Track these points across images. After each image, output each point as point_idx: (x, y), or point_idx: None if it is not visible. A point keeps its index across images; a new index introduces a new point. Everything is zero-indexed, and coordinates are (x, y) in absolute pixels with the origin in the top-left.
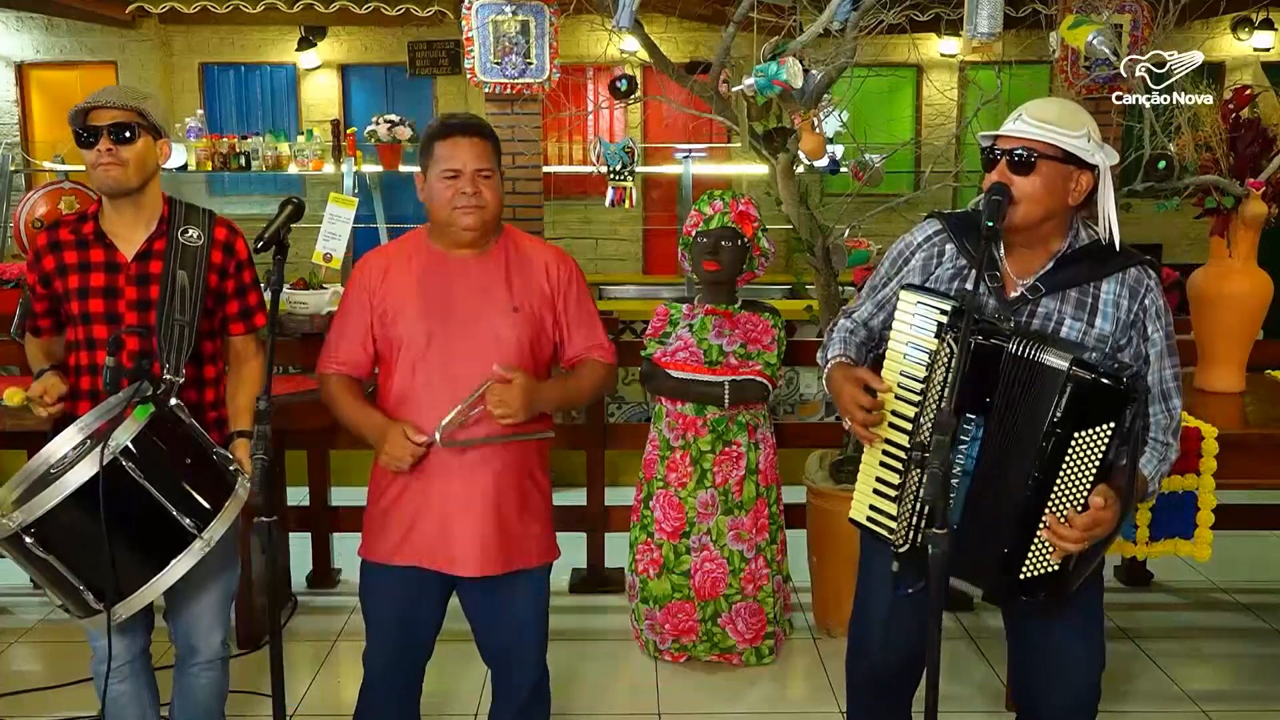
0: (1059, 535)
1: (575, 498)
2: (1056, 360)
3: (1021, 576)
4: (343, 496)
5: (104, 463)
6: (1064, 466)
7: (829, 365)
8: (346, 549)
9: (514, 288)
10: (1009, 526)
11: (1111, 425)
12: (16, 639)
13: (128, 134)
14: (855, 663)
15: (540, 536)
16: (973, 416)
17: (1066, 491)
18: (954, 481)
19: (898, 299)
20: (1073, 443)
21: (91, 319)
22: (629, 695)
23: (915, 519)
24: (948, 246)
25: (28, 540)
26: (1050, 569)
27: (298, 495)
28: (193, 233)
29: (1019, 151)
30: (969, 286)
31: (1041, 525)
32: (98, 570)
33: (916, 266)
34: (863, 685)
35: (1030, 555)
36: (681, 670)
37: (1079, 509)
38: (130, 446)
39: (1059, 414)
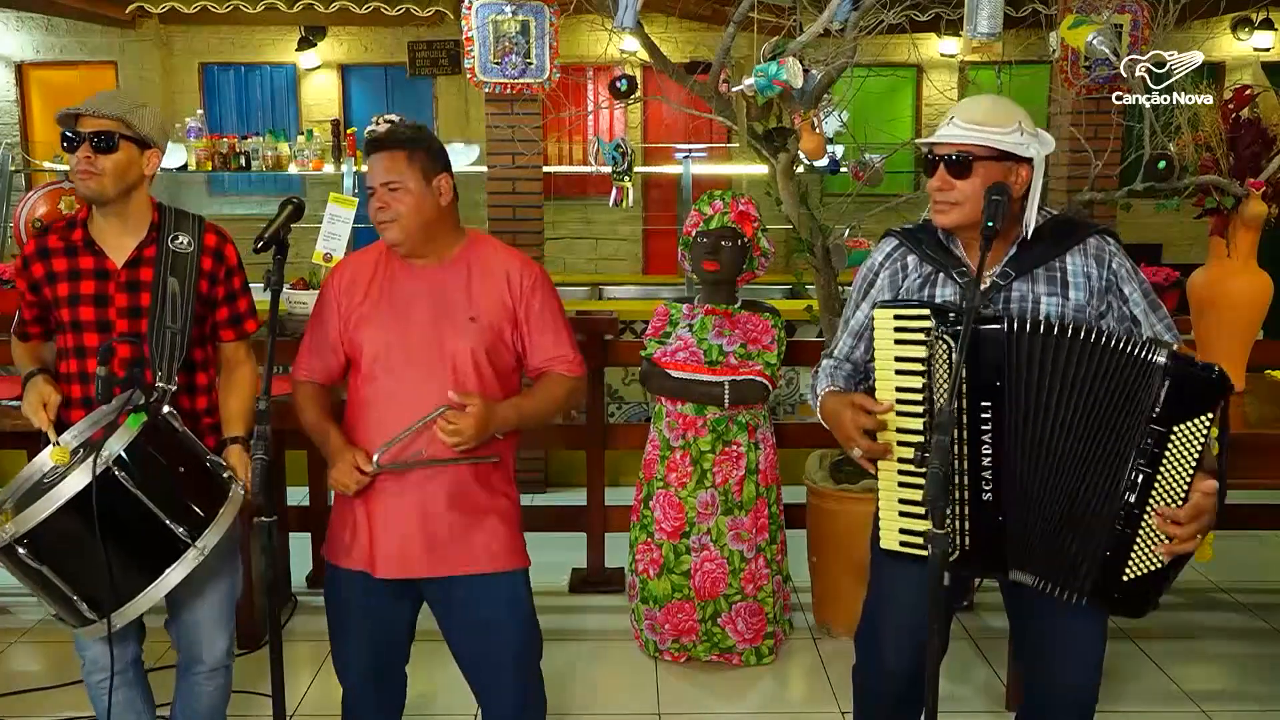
0: (1169, 534)
1: (575, 498)
2: (1158, 356)
3: (1125, 578)
4: None
5: (97, 473)
6: (1164, 462)
7: (821, 397)
8: None
9: (473, 296)
10: (1107, 527)
11: (1210, 416)
12: (16, 639)
13: (108, 144)
14: (864, 674)
15: (495, 541)
16: (988, 404)
17: (1168, 487)
18: (985, 474)
19: (872, 320)
20: (1173, 437)
21: (82, 327)
22: (629, 695)
23: (961, 523)
24: (909, 258)
25: (20, 551)
26: (1155, 567)
27: (298, 495)
28: (183, 239)
29: (954, 156)
30: (939, 291)
31: (1144, 523)
32: (92, 580)
33: (884, 285)
34: (871, 696)
35: (1134, 555)
36: (681, 670)
37: (1180, 503)
38: (123, 456)
39: (1158, 409)
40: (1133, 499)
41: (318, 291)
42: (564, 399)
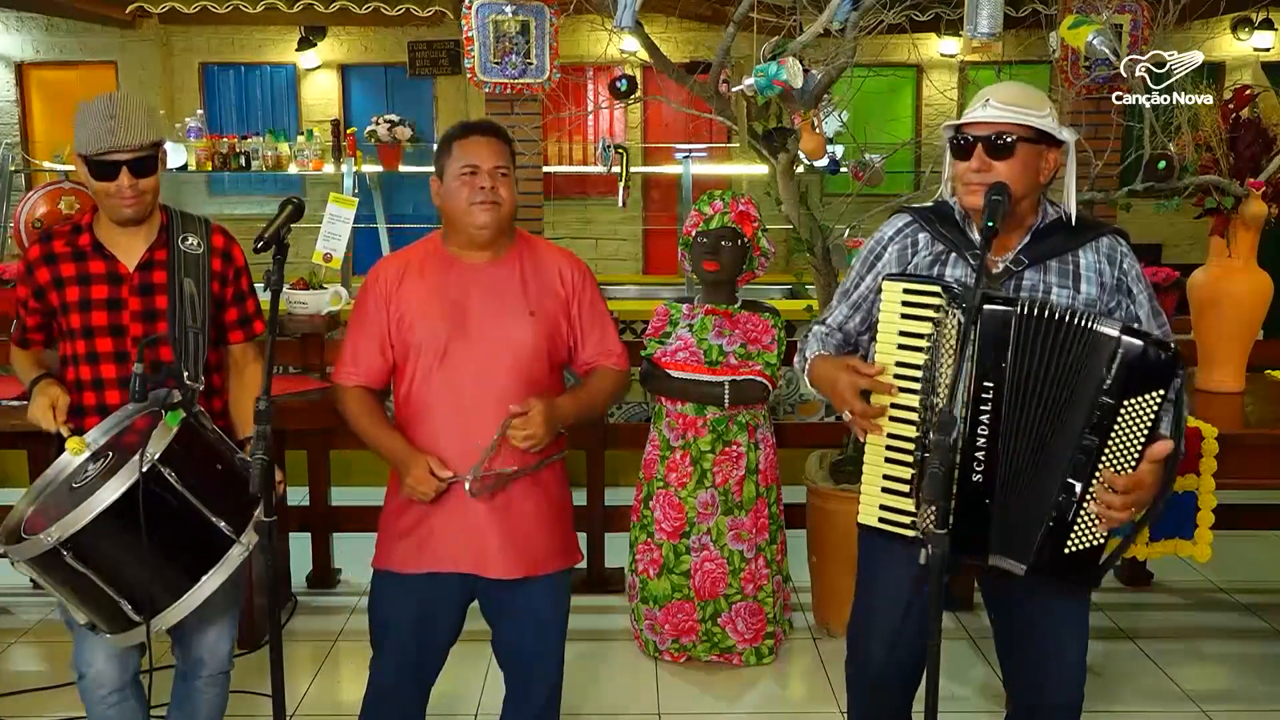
0: (1104, 502)
1: (575, 498)
2: (1108, 329)
3: (1067, 550)
4: (343, 496)
5: (144, 469)
6: (1113, 435)
7: (811, 361)
8: (346, 549)
9: (529, 292)
10: (1054, 498)
11: (1160, 393)
12: (16, 639)
13: (151, 167)
14: (855, 666)
15: (561, 541)
16: (990, 385)
17: (1115, 461)
18: (979, 454)
19: (880, 292)
20: (1122, 411)
21: (94, 332)
22: (629, 695)
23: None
24: (920, 235)
25: (66, 555)
26: (1096, 542)
27: (298, 495)
28: (192, 240)
29: (999, 137)
30: (949, 270)
31: (1089, 496)
32: (136, 582)
33: (892, 259)
34: (863, 688)
35: (1077, 527)
36: (681, 670)
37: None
38: (167, 452)
39: (1109, 382)
40: (1080, 473)
41: (317, 290)
42: (613, 391)
